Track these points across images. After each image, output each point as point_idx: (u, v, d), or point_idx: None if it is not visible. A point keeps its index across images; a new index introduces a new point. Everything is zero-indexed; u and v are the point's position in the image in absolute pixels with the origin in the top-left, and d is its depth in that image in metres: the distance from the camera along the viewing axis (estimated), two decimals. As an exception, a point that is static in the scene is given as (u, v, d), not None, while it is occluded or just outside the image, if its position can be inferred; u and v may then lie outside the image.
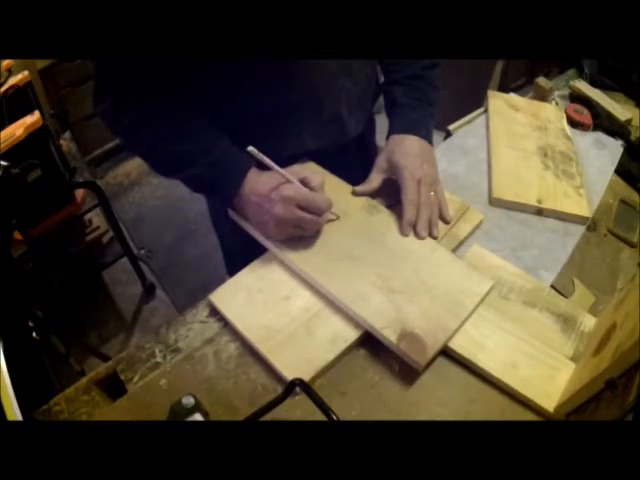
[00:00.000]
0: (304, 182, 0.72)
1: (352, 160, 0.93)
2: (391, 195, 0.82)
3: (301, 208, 0.70)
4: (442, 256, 0.74)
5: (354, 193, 0.81)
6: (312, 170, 0.82)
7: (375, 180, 0.82)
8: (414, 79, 0.87)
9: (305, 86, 0.79)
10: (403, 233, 0.76)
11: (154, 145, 0.74)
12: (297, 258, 0.72)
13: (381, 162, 0.82)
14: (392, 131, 0.84)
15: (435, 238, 0.77)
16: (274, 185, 0.70)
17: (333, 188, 0.80)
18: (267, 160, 0.70)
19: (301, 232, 0.73)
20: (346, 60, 0.81)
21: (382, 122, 1.00)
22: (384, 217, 0.79)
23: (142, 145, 0.76)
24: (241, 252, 0.78)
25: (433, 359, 0.66)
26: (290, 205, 0.69)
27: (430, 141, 0.84)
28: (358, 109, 0.88)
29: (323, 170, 0.85)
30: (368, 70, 0.89)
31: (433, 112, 0.86)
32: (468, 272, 0.72)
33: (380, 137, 1.01)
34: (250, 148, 0.68)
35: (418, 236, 0.76)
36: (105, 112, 0.75)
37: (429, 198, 0.79)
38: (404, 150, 0.80)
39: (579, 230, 0.86)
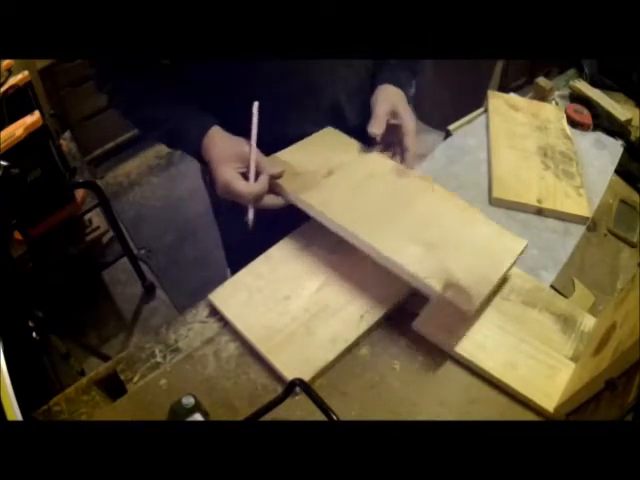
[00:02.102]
0: (260, 165, 0.74)
1: None
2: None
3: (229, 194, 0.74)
4: (474, 215, 0.75)
5: (371, 134, 0.80)
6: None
7: (383, 122, 0.81)
8: (400, 63, 0.91)
9: (304, 75, 0.80)
10: (411, 167, 0.80)
11: (130, 109, 0.82)
12: (336, 216, 0.71)
13: (386, 108, 0.82)
14: (388, 81, 0.86)
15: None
16: (221, 157, 0.74)
17: (360, 152, 0.82)
18: (254, 119, 0.74)
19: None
20: None
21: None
22: (413, 181, 0.78)
23: (119, 108, 0.84)
24: (242, 248, 0.78)
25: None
26: (222, 189, 0.73)
27: (409, 98, 0.89)
28: (357, 98, 0.89)
29: (344, 139, 0.86)
30: (367, 61, 0.90)
31: (413, 80, 0.92)
32: (501, 231, 0.73)
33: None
34: (255, 103, 0.73)
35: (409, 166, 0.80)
36: (95, 75, 0.83)
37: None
38: (404, 103, 0.84)
39: (579, 230, 0.86)
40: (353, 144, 0.84)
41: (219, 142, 0.76)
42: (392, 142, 0.84)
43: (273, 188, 0.76)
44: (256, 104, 0.74)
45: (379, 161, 0.81)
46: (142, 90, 0.80)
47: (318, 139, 0.84)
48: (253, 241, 0.77)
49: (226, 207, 0.94)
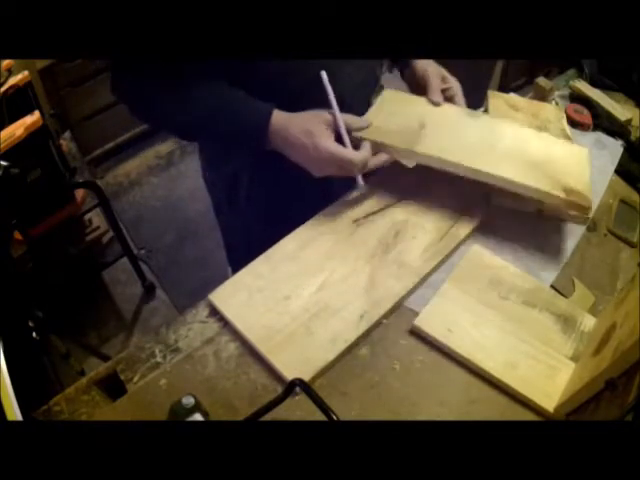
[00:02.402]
0: (348, 124, 0.75)
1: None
2: None
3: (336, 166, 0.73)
4: (547, 138, 0.86)
5: (435, 102, 0.86)
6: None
7: (439, 91, 0.88)
8: None
9: (310, 71, 0.80)
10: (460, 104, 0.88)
11: (172, 116, 0.78)
12: (455, 157, 0.79)
13: (437, 78, 0.88)
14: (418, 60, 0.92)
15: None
16: (311, 131, 0.72)
17: (431, 104, 0.87)
18: (328, 89, 0.74)
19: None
20: None
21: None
22: (487, 118, 0.90)
23: (161, 118, 0.80)
24: (244, 247, 0.78)
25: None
26: (326, 162, 0.73)
27: None
28: (361, 92, 0.90)
29: (407, 97, 0.91)
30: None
31: None
32: (570, 145, 0.86)
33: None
34: (323, 72, 0.74)
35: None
36: (122, 95, 0.80)
37: None
38: (434, 64, 0.91)
39: (579, 230, 0.86)
40: (420, 98, 0.89)
41: (296, 120, 0.74)
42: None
43: (375, 150, 0.79)
44: (323, 73, 0.74)
45: (452, 108, 0.89)
46: (165, 89, 0.76)
47: (386, 102, 0.88)
48: (254, 240, 0.77)
49: (227, 206, 0.94)
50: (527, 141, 0.84)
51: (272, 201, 0.86)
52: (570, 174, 0.79)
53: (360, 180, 0.76)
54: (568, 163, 0.81)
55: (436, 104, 0.87)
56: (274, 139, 0.75)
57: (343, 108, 0.85)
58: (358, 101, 0.89)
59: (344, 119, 0.75)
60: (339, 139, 0.75)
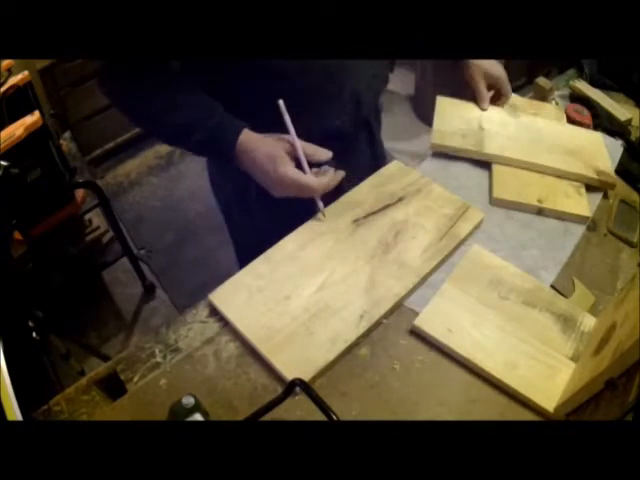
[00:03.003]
0: (309, 155, 0.77)
1: (364, 147, 0.98)
2: None
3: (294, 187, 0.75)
4: (573, 129, 1.01)
5: (483, 110, 0.99)
6: None
7: (485, 91, 0.98)
8: None
9: (325, 67, 0.81)
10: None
11: (155, 118, 0.79)
12: (494, 149, 0.93)
13: (482, 82, 0.98)
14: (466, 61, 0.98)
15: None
16: (273, 156, 0.75)
17: (480, 109, 1.00)
18: (286, 117, 0.76)
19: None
20: None
21: (386, 120, 1.01)
22: (527, 116, 1.02)
23: (145, 119, 0.82)
24: (254, 246, 0.78)
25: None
26: (288, 186, 0.76)
27: None
28: (374, 83, 0.92)
29: (460, 103, 1.02)
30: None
31: None
32: (582, 130, 1.01)
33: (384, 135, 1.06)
34: (280, 101, 0.75)
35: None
36: (110, 90, 0.81)
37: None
38: (491, 64, 0.98)
39: (579, 230, 0.86)
40: (470, 104, 1.01)
41: (262, 143, 0.77)
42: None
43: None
44: (281, 102, 0.76)
45: (497, 110, 1.01)
46: (153, 91, 0.78)
47: (443, 109, 0.99)
48: (265, 240, 0.77)
49: (237, 206, 0.95)
50: (558, 133, 0.98)
51: (283, 199, 0.85)
52: (596, 157, 0.94)
53: (320, 204, 0.80)
54: (592, 148, 0.96)
55: (481, 106, 0.99)
56: (241, 159, 0.77)
57: (359, 102, 0.88)
58: (371, 91, 0.91)
59: (304, 148, 0.77)
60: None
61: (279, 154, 0.75)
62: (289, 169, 0.75)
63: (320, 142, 0.80)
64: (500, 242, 0.82)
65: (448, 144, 0.93)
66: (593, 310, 0.76)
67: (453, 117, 0.98)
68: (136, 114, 0.82)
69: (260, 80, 0.78)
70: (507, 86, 1.00)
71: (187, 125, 0.77)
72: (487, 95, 0.98)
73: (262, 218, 0.93)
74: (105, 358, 1.56)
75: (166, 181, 2.29)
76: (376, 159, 1.02)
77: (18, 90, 1.30)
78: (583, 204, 0.88)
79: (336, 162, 0.80)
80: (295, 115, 0.77)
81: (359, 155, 0.96)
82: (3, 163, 1.14)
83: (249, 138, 0.77)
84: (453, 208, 0.83)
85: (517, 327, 0.70)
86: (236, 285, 0.73)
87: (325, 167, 0.79)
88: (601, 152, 0.96)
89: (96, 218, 1.74)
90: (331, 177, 0.78)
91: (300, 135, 0.77)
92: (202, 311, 0.73)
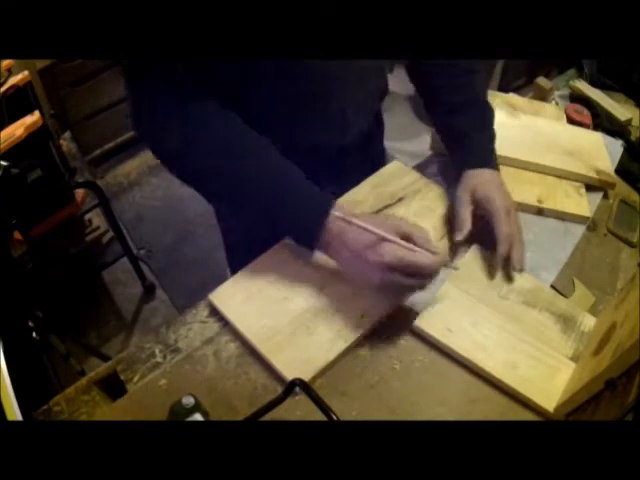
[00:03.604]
0: (407, 238, 0.64)
1: (356, 161, 0.92)
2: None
3: (404, 273, 0.63)
4: (574, 129, 1.02)
5: (457, 242, 0.76)
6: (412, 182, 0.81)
7: (468, 221, 0.77)
8: (472, 103, 0.84)
9: (315, 80, 0.77)
10: (496, 269, 0.75)
11: (208, 170, 0.67)
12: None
13: (464, 201, 0.78)
14: (464, 165, 0.81)
15: (522, 270, 0.75)
16: (369, 243, 0.63)
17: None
18: (360, 223, 0.63)
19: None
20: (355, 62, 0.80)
21: (386, 120, 1.01)
22: (529, 119, 1.02)
23: (195, 171, 0.69)
24: (244, 248, 0.78)
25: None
26: (391, 272, 0.63)
27: (498, 167, 0.83)
28: (364, 108, 0.88)
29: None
30: (382, 83, 0.90)
31: (494, 134, 0.85)
32: (581, 129, 1.02)
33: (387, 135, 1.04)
34: (336, 213, 0.64)
35: (514, 269, 0.74)
36: (147, 133, 0.70)
37: (519, 228, 0.77)
38: (485, 184, 0.78)
39: (579, 230, 0.86)
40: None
41: (345, 225, 0.65)
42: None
43: None
44: (336, 213, 0.65)
45: (496, 110, 0.92)
46: (225, 138, 0.66)
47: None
48: (254, 240, 0.76)
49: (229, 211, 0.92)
50: (558, 133, 0.99)
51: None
52: (596, 157, 0.95)
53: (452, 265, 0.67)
54: (592, 148, 0.96)
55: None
56: (327, 239, 0.66)
57: (343, 119, 0.82)
58: (360, 116, 0.87)
59: (415, 231, 0.65)
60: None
61: (375, 240, 0.64)
62: (395, 247, 0.63)
63: (304, 157, 0.72)
64: (500, 242, 0.82)
65: None
66: (593, 310, 0.76)
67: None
68: (181, 162, 0.69)
69: (250, 85, 0.73)
70: (505, 226, 0.74)
71: (252, 183, 0.66)
72: (468, 225, 0.76)
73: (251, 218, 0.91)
74: (105, 358, 1.56)
75: (166, 181, 2.29)
76: (374, 167, 0.93)
77: (18, 90, 1.30)
78: (583, 204, 0.88)
79: (325, 179, 0.75)
80: (280, 126, 0.73)
81: (349, 170, 0.89)
82: (3, 163, 1.14)
83: (342, 228, 0.65)
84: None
85: (517, 327, 0.70)
86: (236, 285, 0.73)
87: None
88: (601, 152, 0.96)
89: (96, 218, 1.74)
90: (445, 251, 0.67)
91: (284, 149, 0.70)
92: (202, 311, 0.73)
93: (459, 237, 0.76)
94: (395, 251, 0.63)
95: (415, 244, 0.63)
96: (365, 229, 0.63)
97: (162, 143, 0.69)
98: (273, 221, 0.70)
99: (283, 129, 0.76)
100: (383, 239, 0.63)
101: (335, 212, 0.66)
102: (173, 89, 0.67)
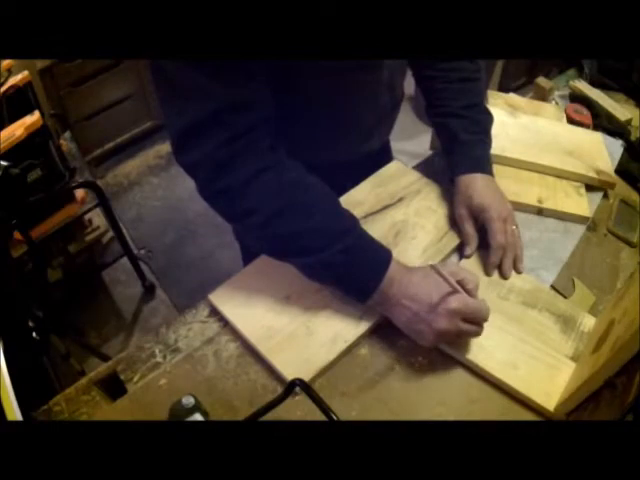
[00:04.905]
0: (461, 283, 0.64)
1: (371, 167, 0.92)
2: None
3: (465, 320, 0.63)
4: (573, 129, 1.02)
5: (467, 257, 0.78)
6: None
7: (473, 236, 0.78)
8: (471, 109, 0.84)
9: (350, 104, 0.78)
10: (488, 274, 0.76)
11: (268, 220, 0.63)
12: (496, 150, 0.88)
13: (464, 217, 0.79)
14: (458, 171, 0.82)
15: (520, 272, 0.77)
16: (439, 296, 0.63)
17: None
18: (445, 275, 0.63)
19: (456, 339, 0.67)
20: (388, 76, 0.81)
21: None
22: (531, 118, 1.03)
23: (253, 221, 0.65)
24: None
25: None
26: (455, 318, 0.62)
27: (492, 173, 0.83)
28: (390, 121, 0.90)
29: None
30: (402, 80, 0.90)
31: (491, 142, 0.85)
32: (581, 129, 1.02)
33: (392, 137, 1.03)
34: (433, 265, 0.64)
35: (504, 277, 0.76)
36: (192, 166, 0.68)
37: (515, 236, 0.78)
38: (480, 191, 0.78)
39: (579, 230, 0.86)
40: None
41: (407, 275, 0.65)
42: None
43: None
44: (433, 264, 0.65)
45: (497, 111, 0.97)
46: (287, 189, 0.63)
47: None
48: None
49: None
50: (558, 133, 0.99)
51: None
52: (595, 157, 0.95)
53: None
54: (592, 148, 0.97)
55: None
56: (385, 294, 0.65)
57: (371, 135, 0.85)
58: (384, 129, 0.90)
59: (461, 273, 0.66)
60: None
61: (445, 291, 0.64)
62: (459, 299, 0.63)
63: (327, 172, 0.70)
64: (500, 242, 0.82)
65: None
66: (593, 310, 0.76)
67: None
68: (236, 208, 0.66)
69: (283, 105, 0.69)
70: (499, 234, 0.75)
71: (313, 236, 0.64)
72: (472, 234, 0.78)
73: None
74: (105, 358, 1.56)
75: (166, 181, 2.29)
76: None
77: (18, 90, 1.30)
78: (583, 204, 0.88)
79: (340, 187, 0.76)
80: (306, 144, 0.72)
81: (362, 177, 0.89)
82: (3, 163, 1.14)
83: (398, 270, 0.65)
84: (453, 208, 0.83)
85: (517, 327, 0.70)
86: (236, 285, 0.73)
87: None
88: (601, 152, 0.96)
89: (96, 218, 1.74)
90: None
91: (307, 163, 0.68)
92: (202, 311, 0.73)
93: (469, 251, 0.78)
94: (462, 298, 0.63)
95: (469, 291, 0.64)
96: (445, 279, 0.63)
97: (209, 185, 0.69)
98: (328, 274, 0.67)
99: (313, 149, 0.75)
100: (450, 291, 0.63)
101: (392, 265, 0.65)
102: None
